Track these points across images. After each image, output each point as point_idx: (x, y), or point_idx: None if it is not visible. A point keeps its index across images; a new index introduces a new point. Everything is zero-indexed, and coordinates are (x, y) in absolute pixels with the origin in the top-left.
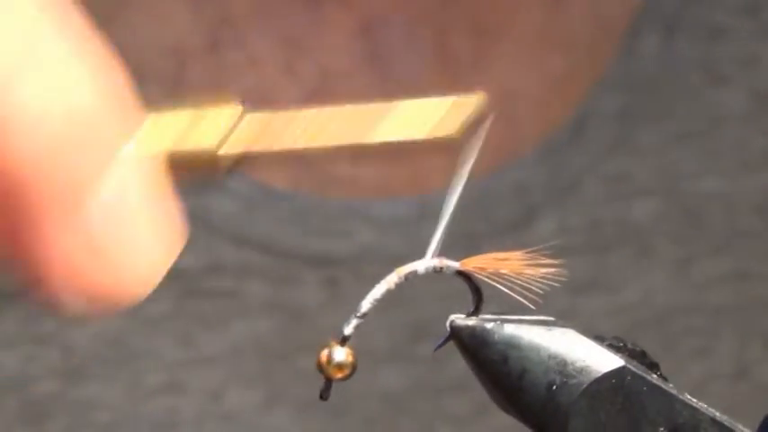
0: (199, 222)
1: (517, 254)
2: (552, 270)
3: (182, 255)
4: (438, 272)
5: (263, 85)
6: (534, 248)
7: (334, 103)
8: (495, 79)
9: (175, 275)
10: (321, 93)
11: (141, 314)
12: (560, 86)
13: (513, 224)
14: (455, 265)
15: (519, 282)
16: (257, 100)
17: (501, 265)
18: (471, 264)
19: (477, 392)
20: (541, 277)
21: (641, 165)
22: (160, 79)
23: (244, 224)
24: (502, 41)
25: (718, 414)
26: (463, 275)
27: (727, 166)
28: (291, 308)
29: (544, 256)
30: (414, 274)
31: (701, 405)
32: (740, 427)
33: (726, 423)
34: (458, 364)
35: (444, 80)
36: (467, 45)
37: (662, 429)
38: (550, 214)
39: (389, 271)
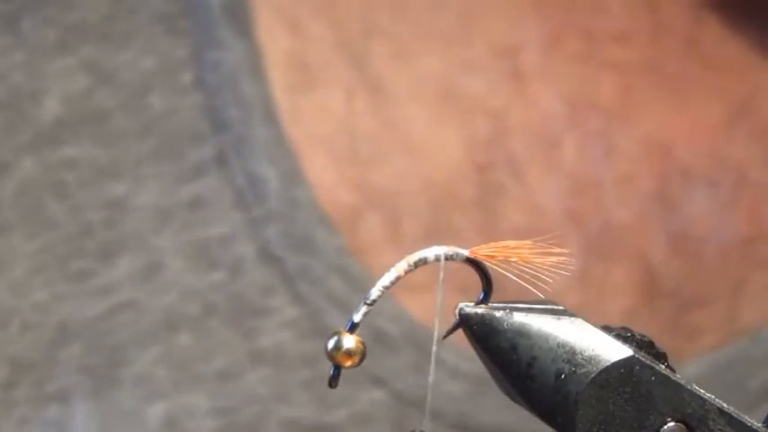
0: (416, 407)
1: (527, 242)
2: (561, 259)
3: None
4: (448, 260)
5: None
6: (543, 237)
7: None
8: None
9: None
10: (603, 245)
11: None
12: None
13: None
14: (464, 252)
15: (528, 270)
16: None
17: (511, 253)
18: (481, 252)
19: None
20: (550, 266)
21: None
22: (419, 222)
23: (468, 409)
24: None
25: (725, 405)
26: (473, 263)
27: None
28: None
29: (553, 245)
30: (424, 261)
31: (709, 396)
32: (747, 418)
33: (733, 414)
34: None
35: (742, 231)
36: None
37: (669, 419)
38: None
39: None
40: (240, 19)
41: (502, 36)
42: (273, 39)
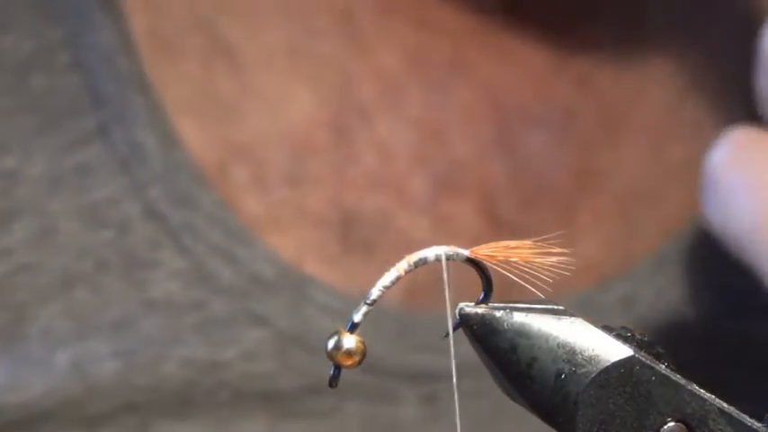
0: (297, 343)
1: (527, 242)
2: (561, 259)
3: (279, 376)
4: (448, 259)
5: (390, 173)
6: (543, 237)
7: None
8: (619, 166)
9: (271, 397)
10: (449, 181)
11: None
12: (679, 178)
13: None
14: (465, 252)
15: (528, 270)
16: (383, 188)
17: (511, 253)
18: (481, 252)
19: None
20: (550, 266)
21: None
22: (280, 170)
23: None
24: (627, 128)
25: (725, 405)
26: (473, 263)
27: None
28: (390, 426)
29: (553, 244)
30: (424, 261)
31: (709, 396)
32: (747, 417)
33: (734, 414)
34: None
35: (573, 164)
36: (596, 131)
37: (669, 419)
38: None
39: (487, 385)
40: (109, 2)
41: (339, 4)
42: (138, 18)
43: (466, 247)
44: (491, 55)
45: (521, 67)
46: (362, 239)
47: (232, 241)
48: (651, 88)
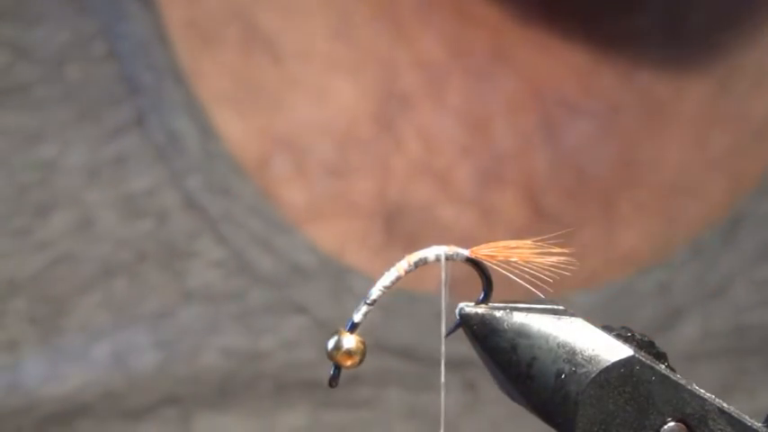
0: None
1: (527, 242)
2: (562, 259)
3: (319, 365)
4: (448, 259)
5: (434, 164)
6: (544, 237)
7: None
8: (661, 158)
9: (312, 387)
10: (493, 173)
11: (277, 428)
12: (721, 168)
13: (657, 325)
14: (465, 252)
15: (529, 270)
16: (427, 178)
17: (511, 253)
18: (481, 251)
19: None
20: (551, 266)
21: None
22: (323, 161)
23: (383, 331)
24: (669, 121)
25: (725, 405)
26: (473, 263)
27: None
28: (431, 414)
29: (554, 244)
30: (424, 261)
31: (709, 395)
32: (747, 417)
33: (733, 414)
34: None
35: (615, 156)
36: (637, 122)
37: (669, 419)
38: (695, 317)
39: None
40: None
41: None
42: (174, 9)
43: (466, 247)
44: (532, 47)
45: (563, 59)
46: (406, 230)
47: (272, 231)
48: (693, 81)
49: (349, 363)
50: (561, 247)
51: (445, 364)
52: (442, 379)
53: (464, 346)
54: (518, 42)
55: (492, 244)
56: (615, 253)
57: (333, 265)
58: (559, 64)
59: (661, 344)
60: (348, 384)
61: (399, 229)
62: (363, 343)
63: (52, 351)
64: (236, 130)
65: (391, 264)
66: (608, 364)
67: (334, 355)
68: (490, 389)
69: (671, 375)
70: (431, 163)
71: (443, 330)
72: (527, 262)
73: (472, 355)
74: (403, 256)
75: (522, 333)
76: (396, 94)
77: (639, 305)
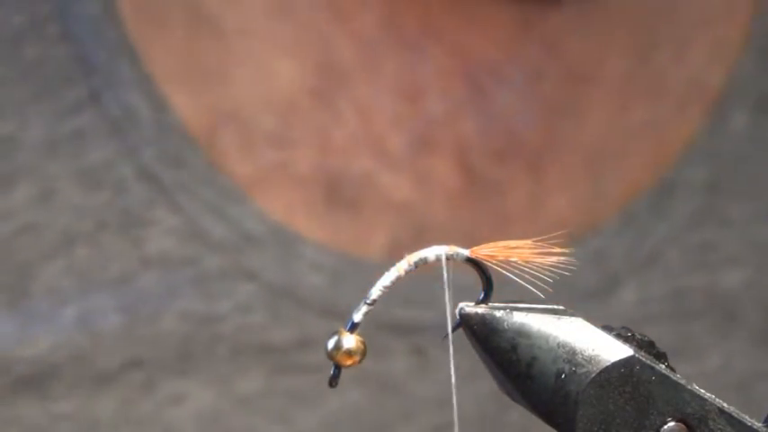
0: (287, 297)
1: (527, 242)
2: (561, 258)
3: (271, 328)
4: (448, 259)
5: (370, 134)
6: (543, 237)
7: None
8: (584, 125)
9: (266, 351)
10: (426, 139)
11: (235, 392)
12: (644, 136)
13: (595, 293)
14: (465, 252)
15: (528, 270)
16: (365, 148)
17: (511, 253)
18: (481, 251)
19: None
20: (551, 265)
21: (728, 236)
22: (267, 134)
23: (331, 297)
24: (592, 87)
25: (725, 404)
26: (473, 263)
27: None
28: (381, 378)
29: (553, 244)
30: (424, 261)
31: (709, 395)
32: (747, 417)
33: (733, 414)
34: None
35: (541, 122)
36: (561, 90)
37: (669, 419)
38: (632, 283)
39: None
40: None
41: None
42: None
43: (466, 247)
44: (460, 18)
45: (489, 28)
46: (347, 198)
47: (223, 200)
48: (614, 50)
49: (349, 362)
50: (493, 211)
51: (393, 330)
52: (453, 380)
53: (412, 312)
54: (446, 14)
55: (492, 244)
56: (545, 219)
57: (281, 233)
58: (485, 33)
59: (600, 311)
60: (300, 349)
61: (341, 197)
62: (363, 343)
63: (20, 315)
64: (186, 104)
65: (334, 231)
66: (608, 364)
67: (334, 355)
68: (439, 354)
69: (671, 375)
70: (368, 132)
71: (450, 329)
72: (527, 262)
73: (421, 321)
74: (343, 222)
75: (522, 333)
76: (334, 68)
77: (575, 273)
